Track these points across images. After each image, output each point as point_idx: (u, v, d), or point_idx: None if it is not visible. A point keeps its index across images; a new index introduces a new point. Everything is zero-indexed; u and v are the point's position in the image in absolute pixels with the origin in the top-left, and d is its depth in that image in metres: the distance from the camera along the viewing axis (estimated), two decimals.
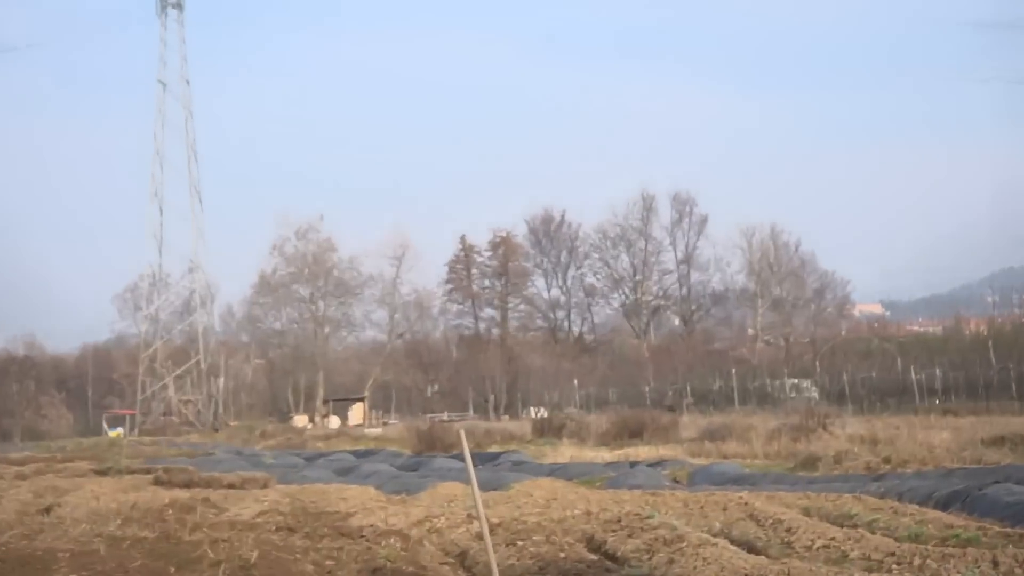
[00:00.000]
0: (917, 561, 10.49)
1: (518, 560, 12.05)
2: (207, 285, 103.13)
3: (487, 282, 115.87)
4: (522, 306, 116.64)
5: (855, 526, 13.53)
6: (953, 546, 11.48)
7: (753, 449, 31.94)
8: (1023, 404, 47.53)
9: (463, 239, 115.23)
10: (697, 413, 61.61)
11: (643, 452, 35.04)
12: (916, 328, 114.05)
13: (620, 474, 25.02)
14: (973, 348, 65.31)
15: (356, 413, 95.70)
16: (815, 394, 66.51)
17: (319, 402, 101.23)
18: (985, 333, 76.59)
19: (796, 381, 70.90)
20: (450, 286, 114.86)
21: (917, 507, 15.09)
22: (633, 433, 42.42)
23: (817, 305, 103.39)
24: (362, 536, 13.17)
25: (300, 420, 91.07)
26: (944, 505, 15.66)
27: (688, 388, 74.15)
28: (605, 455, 35.24)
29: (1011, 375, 55.15)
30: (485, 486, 21.75)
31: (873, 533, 12.75)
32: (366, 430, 73.96)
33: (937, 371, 62.74)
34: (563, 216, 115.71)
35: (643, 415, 45.72)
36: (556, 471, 26.98)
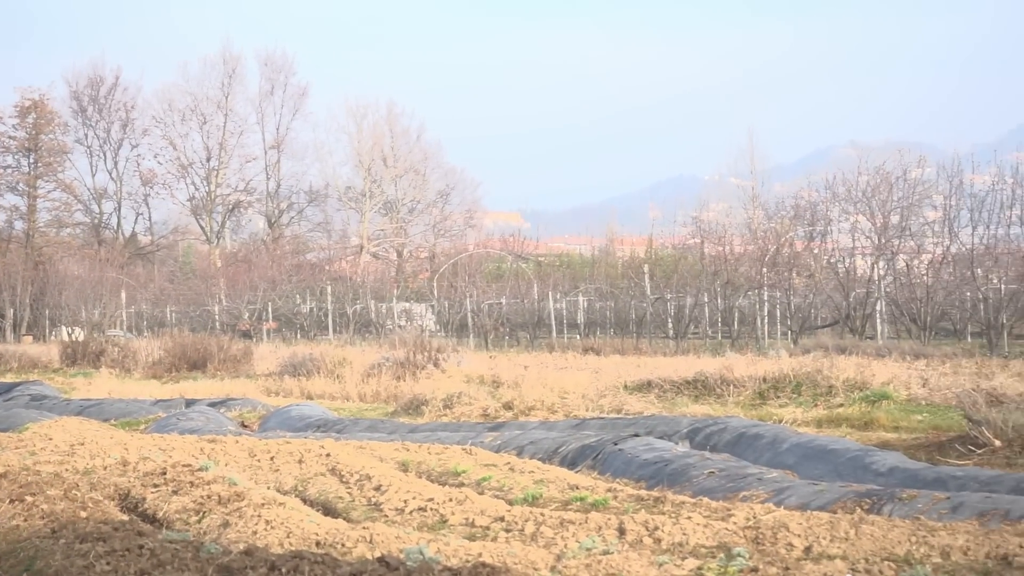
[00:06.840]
0: (530, 528, 10.91)
1: (25, 520, 11.80)
2: None
3: (10, 159, 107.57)
4: (56, 193, 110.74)
5: (461, 485, 13.97)
6: (576, 510, 11.97)
7: (345, 388, 31.95)
8: (679, 344, 49.46)
9: None
10: (280, 341, 61.85)
11: (205, 388, 34.77)
12: (561, 245, 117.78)
13: (172, 415, 24.82)
14: (626, 273, 67.17)
15: None
16: (431, 323, 67.83)
17: None
18: (642, 255, 79.86)
19: (408, 306, 71.56)
20: None
21: (539, 463, 15.59)
22: (194, 364, 42.15)
23: (440, 211, 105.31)
24: None
25: None
26: (572, 462, 16.27)
27: (270, 309, 73.93)
28: (155, 391, 34.83)
29: (668, 308, 56.93)
30: None
31: (482, 494, 13.19)
32: None
33: (581, 299, 65.17)
34: (117, 78, 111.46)
35: (209, 341, 45.26)
36: (88, 409, 26.57)
